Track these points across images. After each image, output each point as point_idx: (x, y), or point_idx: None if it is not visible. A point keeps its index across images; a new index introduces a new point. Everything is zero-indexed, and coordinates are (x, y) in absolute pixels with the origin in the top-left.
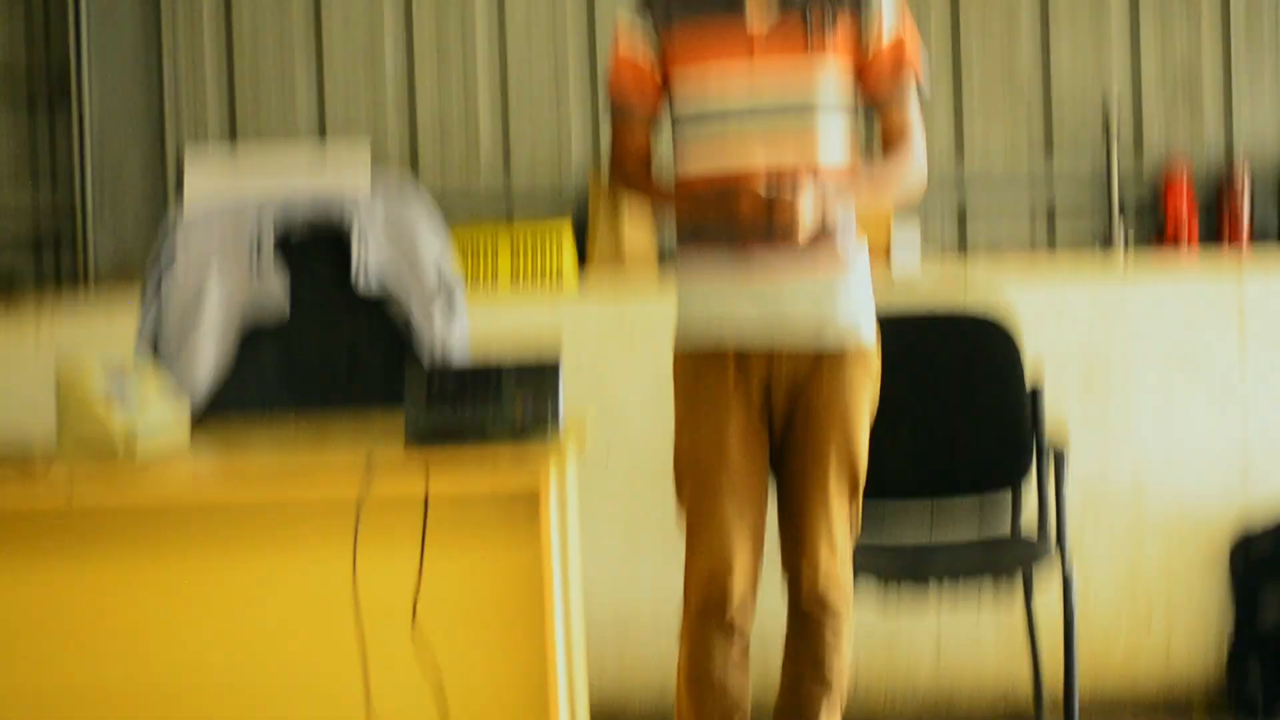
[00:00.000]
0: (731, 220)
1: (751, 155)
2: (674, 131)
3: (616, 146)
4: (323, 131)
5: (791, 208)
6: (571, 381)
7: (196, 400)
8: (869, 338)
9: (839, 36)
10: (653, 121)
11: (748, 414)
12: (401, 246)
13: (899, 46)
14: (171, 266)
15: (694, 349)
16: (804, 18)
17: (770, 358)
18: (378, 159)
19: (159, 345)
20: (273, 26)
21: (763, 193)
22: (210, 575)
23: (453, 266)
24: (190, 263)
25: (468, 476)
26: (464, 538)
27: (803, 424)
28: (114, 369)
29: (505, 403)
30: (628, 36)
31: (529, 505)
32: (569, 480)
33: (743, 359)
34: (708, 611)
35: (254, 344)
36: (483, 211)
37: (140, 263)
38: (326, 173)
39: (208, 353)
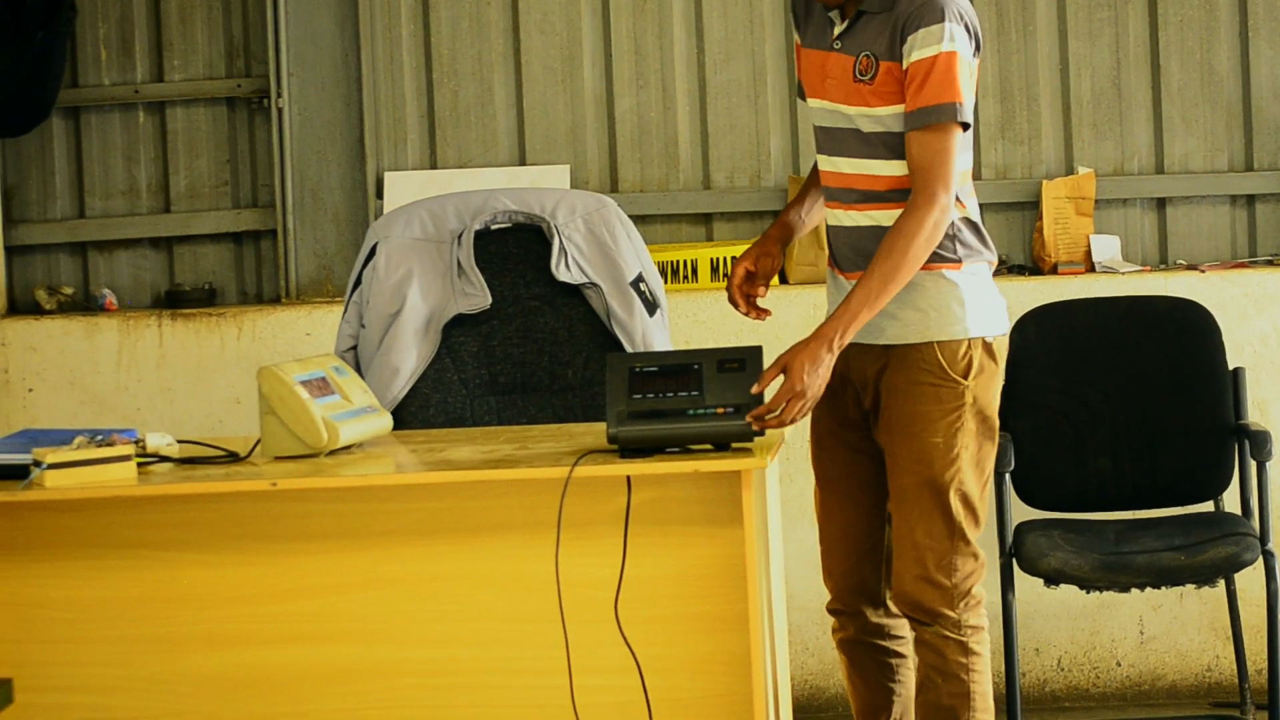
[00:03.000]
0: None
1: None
2: None
3: None
4: (523, 160)
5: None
6: None
7: (396, 398)
8: (947, 333)
9: (881, 76)
10: None
11: (839, 409)
12: (601, 244)
13: (926, 65)
14: (373, 271)
15: None
16: (855, 64)
17: (845, 352)
18: (578, 184)
19: (360, 351)
20: (471, 50)
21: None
22: (410, 562)
23: (655, 278)
24: (391, 265)
25: (670, 466)
26: (666, 525)
27: (879, 424)
28: (314, 368)
29: (707, 391)
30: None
31: (732, 492)
32: (771, 467)
33: None
34: (831, 600)
35: (455, 330)
36: (682, 220)
37: (340, 277)
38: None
39: (408, 356)
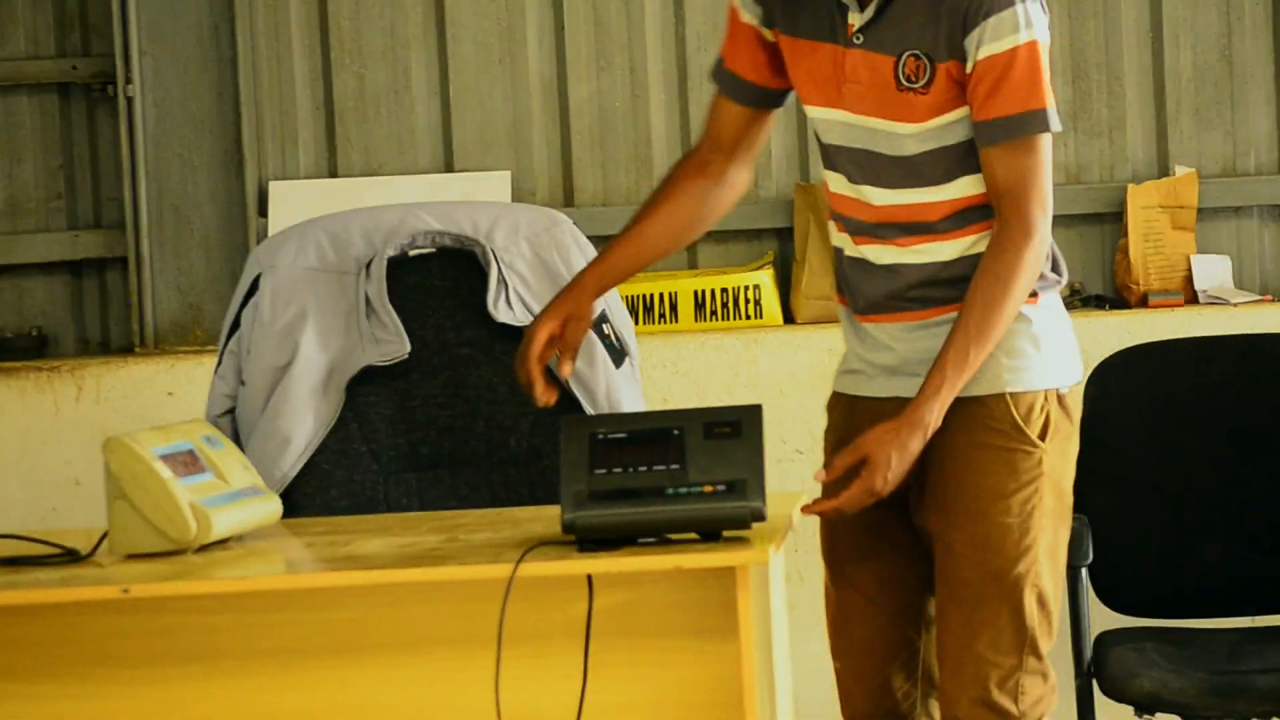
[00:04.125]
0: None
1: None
2: None
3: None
4: (450, 165)
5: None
6: (775, 436)
7: (286, 476)
8: (1020, 382)
9: (940, 81)
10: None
11: None
12: (551, 274)
13: (1003, 61)
14: (255, 311)
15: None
16: (896, 67)
17: (872, 408)
18: (521, 195)
19: (239, 415)
20: (380, 22)
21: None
22: (307, 689)
23: (623, 318)
24: (279, 304)
25: (644, 561)
26: (639, 637)
27: (925, 500)
28: (179, 438)
29: (691, 464)
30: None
31: (724, 595)
32: (775, 561)
33: (846, 403)
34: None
35: (362, 387)
36: None
37: (212, 319)
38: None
39: (302, 422)
